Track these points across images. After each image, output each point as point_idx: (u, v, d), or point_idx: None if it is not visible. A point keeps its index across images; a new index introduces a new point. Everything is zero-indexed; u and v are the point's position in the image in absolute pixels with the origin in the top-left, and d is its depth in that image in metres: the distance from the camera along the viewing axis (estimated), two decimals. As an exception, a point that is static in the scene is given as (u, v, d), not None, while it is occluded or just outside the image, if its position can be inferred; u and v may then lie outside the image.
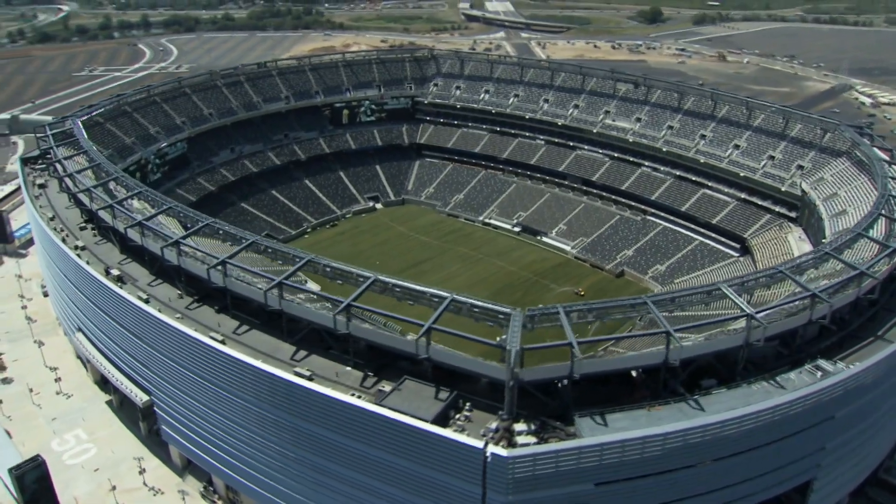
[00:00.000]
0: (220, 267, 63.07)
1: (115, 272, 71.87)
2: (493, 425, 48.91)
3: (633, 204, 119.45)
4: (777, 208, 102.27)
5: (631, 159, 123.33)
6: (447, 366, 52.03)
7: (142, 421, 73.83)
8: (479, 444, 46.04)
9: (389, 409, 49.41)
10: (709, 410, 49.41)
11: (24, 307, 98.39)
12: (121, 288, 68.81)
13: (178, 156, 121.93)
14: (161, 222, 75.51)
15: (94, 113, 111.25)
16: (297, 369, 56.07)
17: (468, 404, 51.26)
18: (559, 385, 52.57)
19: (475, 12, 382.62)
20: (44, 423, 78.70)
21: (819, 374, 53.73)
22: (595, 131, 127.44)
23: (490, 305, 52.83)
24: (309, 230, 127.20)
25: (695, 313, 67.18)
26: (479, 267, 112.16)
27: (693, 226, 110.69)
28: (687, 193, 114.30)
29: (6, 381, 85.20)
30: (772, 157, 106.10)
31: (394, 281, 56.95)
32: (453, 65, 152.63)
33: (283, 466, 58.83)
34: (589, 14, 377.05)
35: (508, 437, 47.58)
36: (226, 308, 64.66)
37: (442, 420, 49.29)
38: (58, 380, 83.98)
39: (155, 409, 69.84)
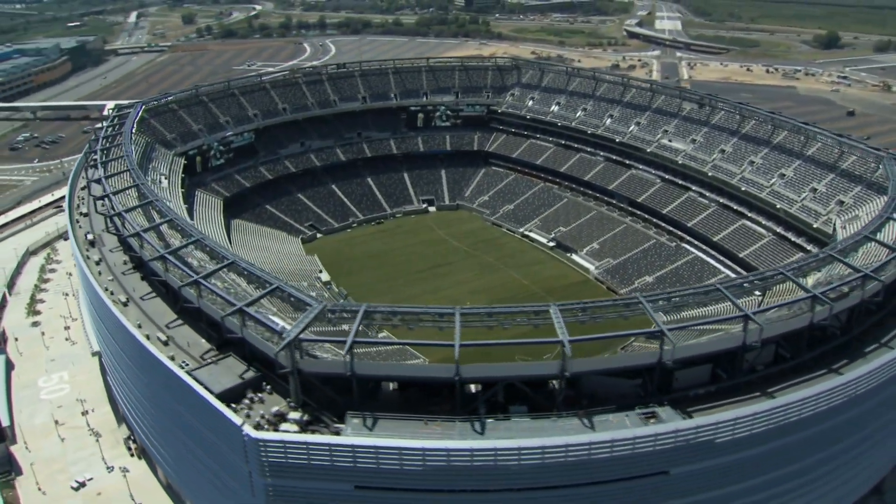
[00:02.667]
0: (135, 237, 68.80)
1: (90, 237, 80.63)
2: (274, 409, 49.60)
3: (672, 229, 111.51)
4: (810, 247, 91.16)
5: (680, 182, 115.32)
6: (252, 346, 53.29)
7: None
8: (238, 421, 47.11)
9: (192, 377, 51.80)
10: (488, 436, 46.59)
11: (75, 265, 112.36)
12: (87, 250, 77.50)
13: (245, 145, 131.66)
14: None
15: (169, 99, 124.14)
16: (159, 333, 60.11)
17: (269, 387, 52.18)
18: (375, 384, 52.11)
19: (638, 30, 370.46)
20: (43, 363, 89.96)
21: (651, 420, 48.23)
22: (649, 150, 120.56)
23: (301, 296, 53.44)
24: (354, 224, 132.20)
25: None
26: (494, 276, 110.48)
27: (723, 258, 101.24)
28: (725, 223, 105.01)
29: (35, 324, 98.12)
30: (814, 190, 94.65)
31: (244, 265, 59.19)
32: (533, 75, 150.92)
33: (152, 424, 63.58)
34: (761, 37, 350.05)
35: (276, 423, 48.09)
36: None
37: (233, 397, 50.81)
38: (67, 328, 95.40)
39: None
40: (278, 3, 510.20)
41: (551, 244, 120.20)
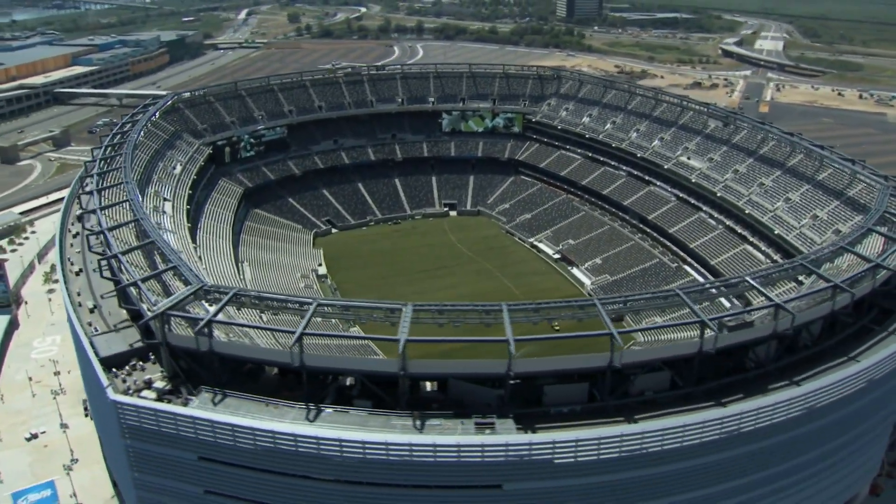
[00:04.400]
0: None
1: (77, 212, 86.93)
2: (147, 377, 52.42)
3: (676, 250, 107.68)
4: (801, 276, 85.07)
5: (692, 202, 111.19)
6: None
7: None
8: (105, 383, 50.14)
9: (88, 341, 55.58)
10: (315, 423, 47.34)
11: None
12: (72, 224, 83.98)
13: (277, 139, 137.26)
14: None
15: (205, 91, 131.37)
16: (90, 302, 64.69)
17: (153, 357, 55.11)
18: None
19: (733, 48, 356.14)
20: (44, 325, 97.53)
21: (486, 431, 47.40)
22: (666, 167, 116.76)
23: (189, 277, 56.10)
24: (371, 223, 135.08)
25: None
26: (486, 284, 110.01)
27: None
28: (727, 246, 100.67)
29: (50, 290, 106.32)
30: (815, 217, 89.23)
31: (160, 244, 62.70)
32: (572, 86, 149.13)
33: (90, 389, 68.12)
34: (868, 61, 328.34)
35: (141, 389, 50.86)
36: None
37: (117, 363, 54.11)
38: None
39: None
40: (385, 6, 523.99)
41: (556, 256, 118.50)
